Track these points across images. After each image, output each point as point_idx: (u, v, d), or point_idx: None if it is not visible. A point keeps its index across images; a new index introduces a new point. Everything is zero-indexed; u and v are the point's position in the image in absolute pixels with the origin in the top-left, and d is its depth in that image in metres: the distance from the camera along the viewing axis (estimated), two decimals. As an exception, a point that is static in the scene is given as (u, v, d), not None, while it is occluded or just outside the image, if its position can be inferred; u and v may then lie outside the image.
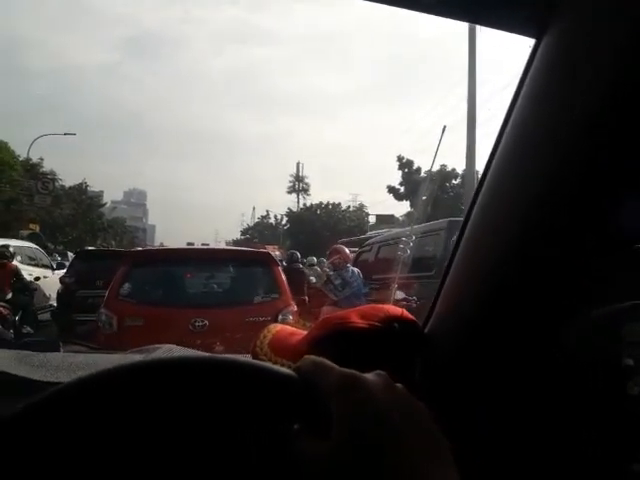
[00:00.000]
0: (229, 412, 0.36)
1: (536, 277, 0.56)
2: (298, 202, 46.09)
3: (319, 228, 37.82)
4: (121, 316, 4.37)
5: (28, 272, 9.56)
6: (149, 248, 8.11)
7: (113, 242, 40.41)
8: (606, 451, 0.58)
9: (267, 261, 5.07)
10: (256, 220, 54.45)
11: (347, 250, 6.47)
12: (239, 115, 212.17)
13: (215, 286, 5.44)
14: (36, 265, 10.47)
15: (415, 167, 31.96)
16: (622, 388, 0.56)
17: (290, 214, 44.73)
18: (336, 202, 42.95)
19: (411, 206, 30.51)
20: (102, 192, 41.40)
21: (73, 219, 31.23)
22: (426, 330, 0.67)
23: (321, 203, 43.16)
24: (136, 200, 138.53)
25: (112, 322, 4.37)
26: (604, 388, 0.57)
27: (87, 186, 34.71)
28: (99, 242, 33.90)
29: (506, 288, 0.58)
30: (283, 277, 5.02)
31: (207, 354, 0.38)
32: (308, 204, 44.66)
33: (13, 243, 10.11)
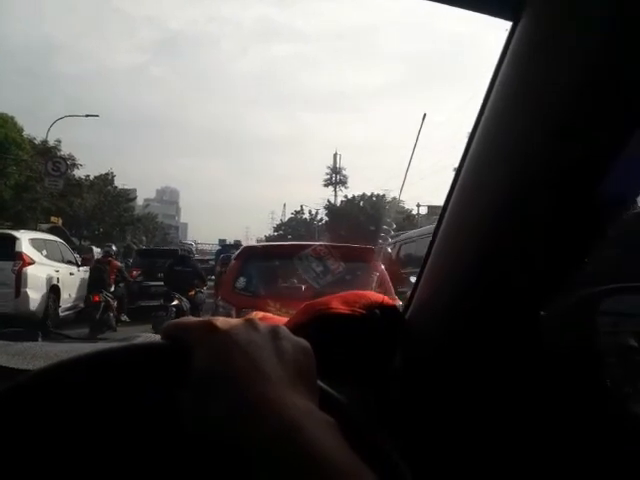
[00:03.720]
0: (124, 396, 0.41)
1: (513, 264, 0.61)
2: (335, 194, 45.84)
3: (363, 222, 37.30)
4: (239, 307, 5.02)
5: (55, 268, 9.95)
6: (259, 244, 9.83)
7: (144, 238, 40.95)
8: (585, 439, 0.63)
9: (371, 257, 5.42)
10: (289, 216, 54.59)
11: None
12: (265, 113, 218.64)
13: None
14: (61, 261, 10.54)
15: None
16: (596, 375, 0.61)
17: (330, 207, 44.46)
18: (380, 193, 42.24)
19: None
20: (135, 189, 41.68)
21: (99, 211, 30.70)
22: (406, 316, 0.74)
23: (364, 194, 42.58)
24: (169, 198, 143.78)
25: (231, 313, 5.00)
26: (579, 374, 0.62)
27: (113, 176, 33.81)
28: (129, 238, 34.11)
29: (483, 275, 0.63)
30: (385, 272, 5.47)
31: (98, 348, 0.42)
32: (347, 197, 44.23)
33: (36, 235, 10.48)
